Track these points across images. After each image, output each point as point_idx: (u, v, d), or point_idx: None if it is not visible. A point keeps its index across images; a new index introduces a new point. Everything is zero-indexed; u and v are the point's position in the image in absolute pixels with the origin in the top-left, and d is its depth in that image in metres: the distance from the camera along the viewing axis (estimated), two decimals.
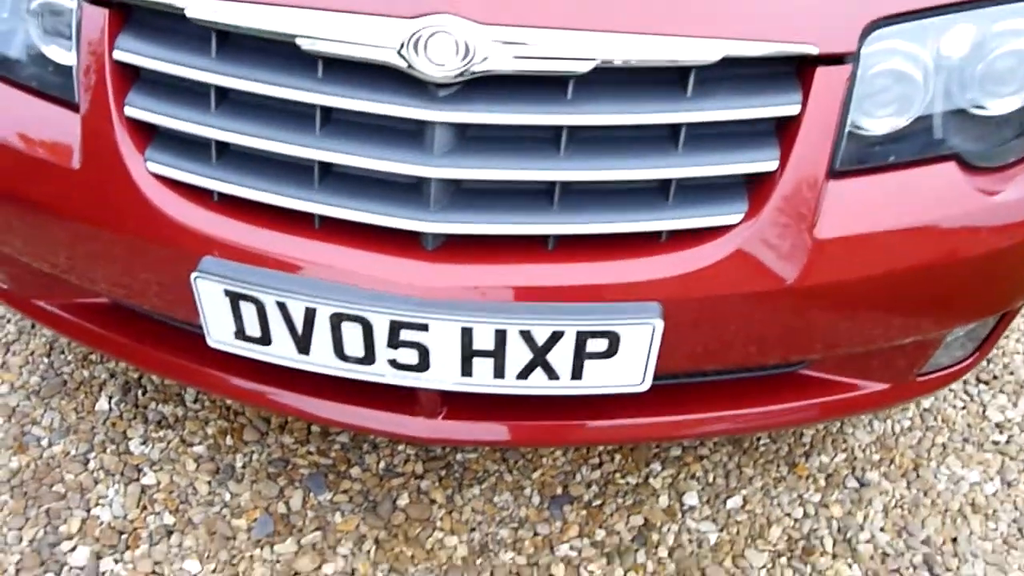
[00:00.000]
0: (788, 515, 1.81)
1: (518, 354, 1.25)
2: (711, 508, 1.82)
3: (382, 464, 1.85)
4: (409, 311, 1.21)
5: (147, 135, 1.32)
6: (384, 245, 1.26)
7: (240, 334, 1.31)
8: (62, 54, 1.35)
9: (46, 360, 2.03)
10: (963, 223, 1.32)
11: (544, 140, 1.23)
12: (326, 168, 1.26)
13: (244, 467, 1.83)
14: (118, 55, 1.29)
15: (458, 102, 1.19)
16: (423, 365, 1.28)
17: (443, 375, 1.29)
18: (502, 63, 1.16)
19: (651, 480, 1.86)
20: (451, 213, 1.23)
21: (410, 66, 1.16)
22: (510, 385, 1.30)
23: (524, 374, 1.28)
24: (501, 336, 1.23)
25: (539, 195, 1.25)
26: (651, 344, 1.25)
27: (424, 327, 1.23)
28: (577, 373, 1.28)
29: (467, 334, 1.23)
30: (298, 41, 1.18)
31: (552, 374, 1.28)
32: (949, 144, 1.32)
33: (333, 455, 1.87)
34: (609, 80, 1.21)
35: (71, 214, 1.33)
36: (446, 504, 1.79)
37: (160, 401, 1.95)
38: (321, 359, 1.30)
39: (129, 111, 1.29)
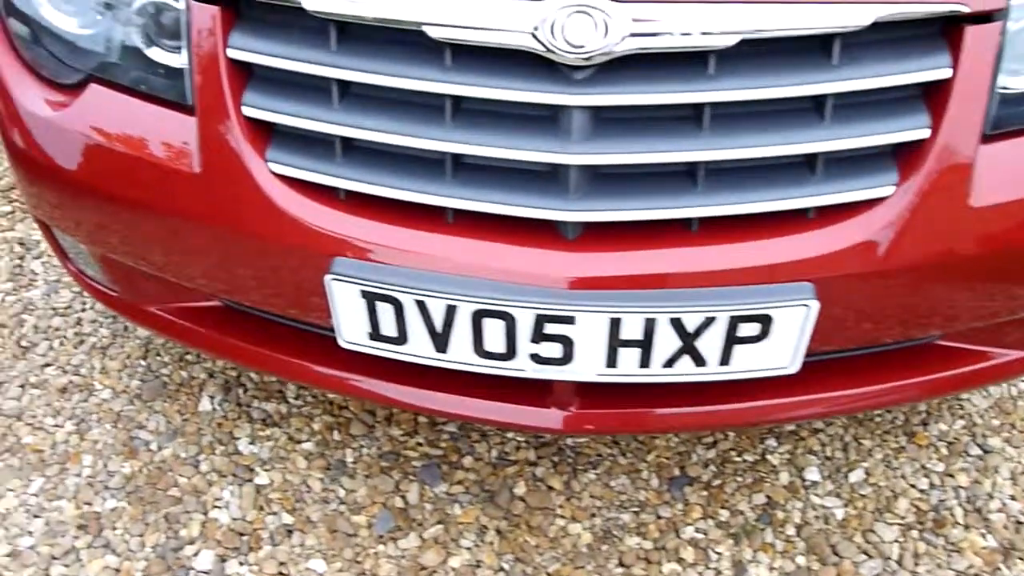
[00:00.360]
0: (913, 486, 1.77)
1: (666, 342, 1.21)
2: (833, 483, 1.77)
3: (494, 452, 1.83)
4: (556, 304, 1.18)
5: (266, 135, 1.28)
6: (522, 237, 1.22)
7: (375, 334, 1.27)
8: (169, 56, 1.31)
9: (143, 363, 2.02)
10: None
11: (684, 119, 1.18)
12: (457, 160, 1.22)
13: (355, 462, 1.81)
14: (232, 53, 1.25)
15: (596, 84, 1.14)
16: (566, 358, 1.24)
17: (586, 367, 1.25)
18: (644, 42, 1.11)
19: (768, 457, 1.82)
20: (592, 200, 1.18)
21: (548, 49, 1.11)
22: (655, 374, 1.26)
23: (671, 362, 1.24)
24: (650, 325, 1.19)
25: (680, 176, 1.20)
26: (804, 326, 1.20)
27: (571, 319, 1.19)
28: (726, 359, 1.24)
29: (615, 324, 1.19)
30: (425, 29, 1.14)
31: (700, 361, 1.24)
32: None
33: (443, 446, 1.84)
34: (751, 53, 1.15)
35: (194, 219, 1.30)
36: (564, 490, 1.76)
37: (262, 399, 1.94)
38: (459, 356, 1.27)
39: (247, 111, 1.26)
